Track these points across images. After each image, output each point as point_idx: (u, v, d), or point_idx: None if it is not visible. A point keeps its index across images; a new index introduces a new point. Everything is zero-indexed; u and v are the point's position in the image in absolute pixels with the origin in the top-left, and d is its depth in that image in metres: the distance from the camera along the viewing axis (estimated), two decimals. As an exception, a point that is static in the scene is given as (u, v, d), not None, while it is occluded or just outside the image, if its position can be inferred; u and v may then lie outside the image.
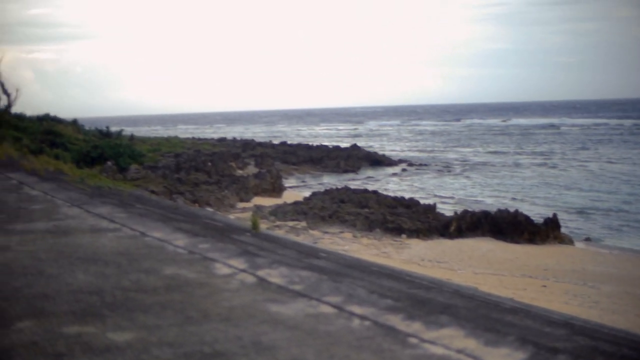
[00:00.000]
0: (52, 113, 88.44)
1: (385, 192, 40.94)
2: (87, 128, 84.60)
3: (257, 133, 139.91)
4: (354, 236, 28.25)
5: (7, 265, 8.27)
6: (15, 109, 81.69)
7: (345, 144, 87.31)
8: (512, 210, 30.95)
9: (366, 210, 32.72)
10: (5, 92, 78.61)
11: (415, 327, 5.57)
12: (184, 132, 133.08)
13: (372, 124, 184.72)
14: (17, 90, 79.79)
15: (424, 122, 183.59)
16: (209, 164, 52.23)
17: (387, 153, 77.80)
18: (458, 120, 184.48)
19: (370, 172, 61.87)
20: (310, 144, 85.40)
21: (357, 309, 6.14)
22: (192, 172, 46.39)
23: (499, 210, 31.10)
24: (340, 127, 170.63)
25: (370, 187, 44.79)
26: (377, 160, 69.26)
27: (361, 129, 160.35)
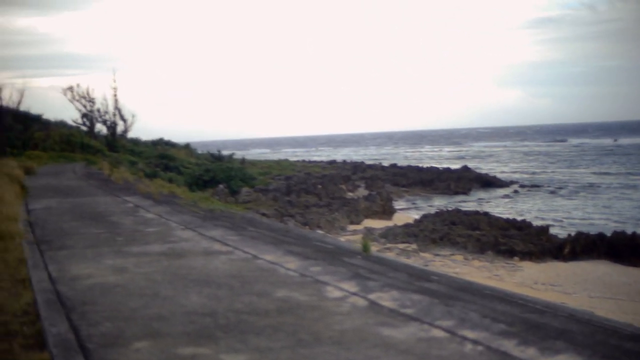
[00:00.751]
0: (166, 137, 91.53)
1: (496, 214, 40.26)
2: (199, 152, 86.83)
3: (366, 155, 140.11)
4: (465, 258, 27.84)
5: (125, 286, 8.50)
6: (132, 134, 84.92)
7: (454, 165, 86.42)
8: (628, 232, 29.94)
9: (477, 232, 32.24)
10: (122, 118, 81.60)
11: (529, 352, 5.43)
12: (291, 155, 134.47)
13: (478, 145, 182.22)
14: (133, 116, 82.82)
15: (531, 143, 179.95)
16: (319, 186, 52.62)
17: (497, 174, 76.51)
18: (565, 140, 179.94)
19: (481, 194, 60.94)
20: (419, 165, 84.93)
21: (469, 334, 6.03)
22: (303, 195, 46.79)
23: (615, 233, 30.13)
24: (447, 149, 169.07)
25: (482, 209, 44.14)
26: (488, 182, 68.15)
27: (467, 150, 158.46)
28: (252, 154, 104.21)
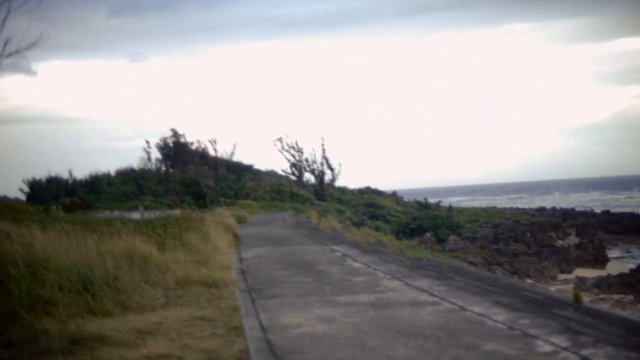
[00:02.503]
0: (373, 185, 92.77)
1: None
2: (405, 199, 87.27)
3: (573, 202, 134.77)
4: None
5: (333, 336, 8.60)
6: (339, 183, 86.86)
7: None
8: None
9: None
10: (330, 166, 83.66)
11: None
12: (489, 201, 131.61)
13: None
14: (340, 165, 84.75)
15: None
16: (528, 234, 51.34)
17: None
18: None
19: None
20: (634, 212, 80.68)
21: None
22: (511, 243, 45.84)
23: None
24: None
25: None
26: None
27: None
28: (452, 202, 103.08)
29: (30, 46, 14.49)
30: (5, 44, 14.33)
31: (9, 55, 14.42)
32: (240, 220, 37.24)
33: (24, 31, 14.68)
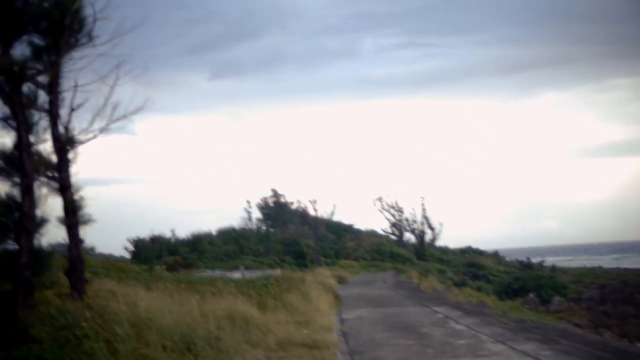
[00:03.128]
0: (473, 245, 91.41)
1: None
2: (507, 259, 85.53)
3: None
4: None
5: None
6: (439, 242, 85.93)
7: None
8: None
9: None
10: (430, 226, 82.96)
11: None
12: (588, 261, 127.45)
13: None
14: (440, 224, 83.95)
15: None
16: (638, 295, 49.46)
17: None
18: None
19: None
20: None
21: None
22: (619, 305, 44.21)
23: None
24: None
25: None
26: None
27: None
28: (555, 261, 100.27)
29: (137, 111, 15.01)
30: (114, 109, 14.88)
31: (117, 119, 14.96)
32: (341, 281, 37.17)
33: (130, 96, 15.24)
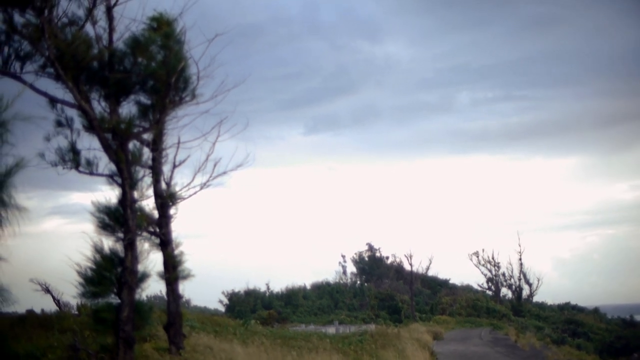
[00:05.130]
0: (572, 301, 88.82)
1: None
2: (608, 316, 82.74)
3: None
4: None
5: None
6: (537, 298, 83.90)
7: None
8: None
9: None
10: (527, 281, 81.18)
11: None
12: None
13: None
14: (538, 280, 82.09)
15: None
16: None
17: None
18: None
19: None
20: None
21: None
22: None
23: None
24: None
25: None
26: None
27: None
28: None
29: (237, 167, 15.33)
30: (215, 165, 15.24)
31: (218, 175, 15.30)
32: (436, 337, 36.64)
33: (230, 151, 15.58)
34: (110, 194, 13.94)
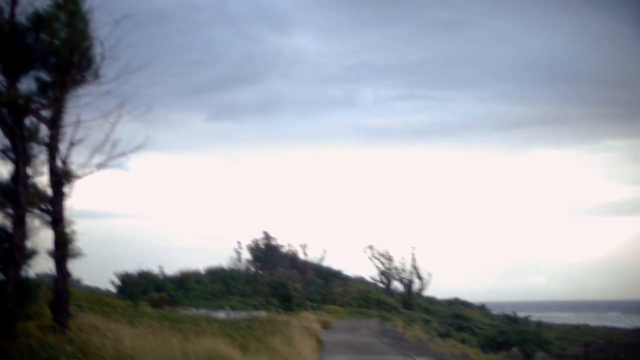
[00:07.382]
0: (462, 297, 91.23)
1: None
2: (494, 312, 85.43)
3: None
4: None
5: None
6: (427, 293, 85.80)
7: None
8: None
9: None
10: (419, 276, 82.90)
11: None
12: (575, 318, 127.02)
13: None
14: (429, 275, 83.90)
15: None
16: (622, 355, 49.51)
17: None
18: None
19: None
20: None
21: None
22: (603, 363, 44.29)
23: None
24: None
25: None
26: None
27: None
28: (542, 317, 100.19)
29: (137, 149, 15.32)
30: (113, 146, 15.19)
31: (116, 156, 15.26)
32: (326, 326, 37.21)
33: (130, 133, 15.56)
34: (1, 169, 13.79)
